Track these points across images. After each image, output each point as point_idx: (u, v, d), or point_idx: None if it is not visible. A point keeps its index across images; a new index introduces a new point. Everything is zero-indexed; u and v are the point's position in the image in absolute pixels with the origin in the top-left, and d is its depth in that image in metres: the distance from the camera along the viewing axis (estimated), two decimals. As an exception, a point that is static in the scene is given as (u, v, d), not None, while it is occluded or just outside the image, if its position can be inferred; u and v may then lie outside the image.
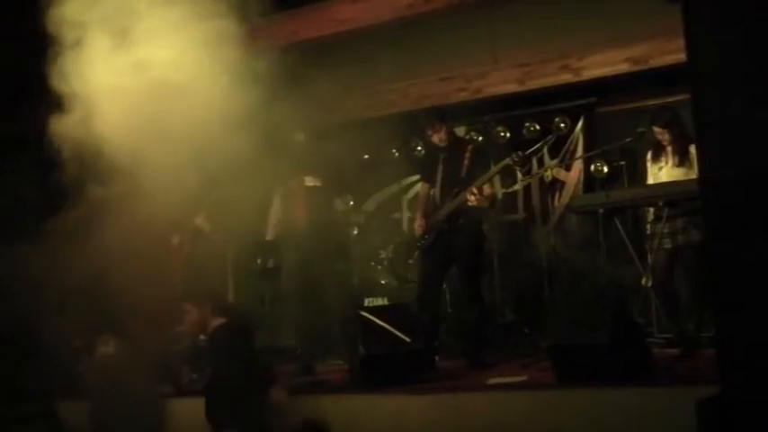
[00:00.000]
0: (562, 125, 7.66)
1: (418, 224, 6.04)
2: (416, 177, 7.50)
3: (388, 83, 7.75)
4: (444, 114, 6.08)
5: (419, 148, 8.18)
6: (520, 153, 5.70)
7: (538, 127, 7.74)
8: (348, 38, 7.13)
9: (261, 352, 5.80)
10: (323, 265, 5.78)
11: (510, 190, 7.89)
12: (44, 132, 4.69)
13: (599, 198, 5.96)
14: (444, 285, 6.58)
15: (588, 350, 4.51)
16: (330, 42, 7.08)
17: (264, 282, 7.48)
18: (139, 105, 4.60)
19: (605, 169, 7.35)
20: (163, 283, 5.17)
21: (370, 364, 5.22)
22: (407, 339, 5.33)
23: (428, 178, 6.15)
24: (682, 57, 3.57)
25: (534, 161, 7.78)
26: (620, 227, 6.33)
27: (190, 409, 5.33)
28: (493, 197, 6.04)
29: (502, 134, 7.89)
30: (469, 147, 6.05)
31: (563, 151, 7.69)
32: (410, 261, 6.94)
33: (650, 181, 5.78)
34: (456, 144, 6.13)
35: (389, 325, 5.36)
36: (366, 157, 8.40)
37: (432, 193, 6.08)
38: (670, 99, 6.48)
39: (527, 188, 7.93)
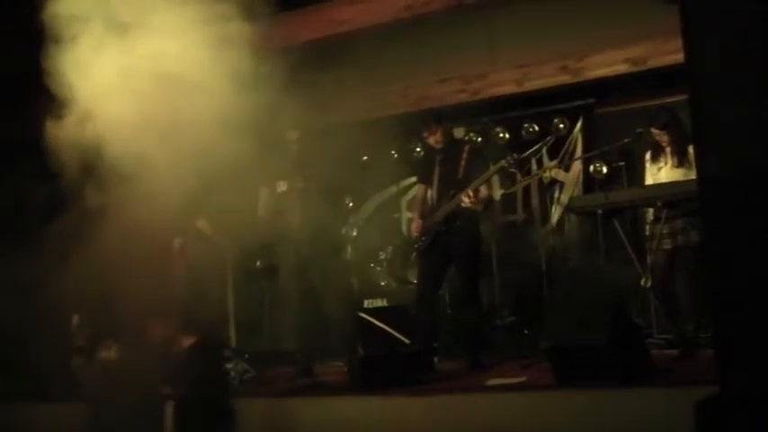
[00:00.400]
0: (561, 126, 7.65)
1: (415, 226, 6.05)
2: (415, 179, 7.49)
3: (386, 84, 7.74)
4: (440, 116, 6.10)
5: (418, 149, 8.18)
6: (515, 155, 5.71)
7: (537, 128, 7.74)
8: (347, 39, 7.13)
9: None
10: (321, 266, 5.77)
11: (509, 191, 7.89)
12: (45, 134, 4.69)
13: (598, 199, 5.97)
14: (443, 287, 6.58)
15: (587, 351, 4.51)
16: (329, 44, 7.08)
17: (264, 283, 7.48)
18: (140, 107, 4.60)
19: (604, 170, 7.34)
20: (164, 286, 5.16)
21: (370, 365, 5.22)
22: (406, 341, 5.33)
23: (425, 179, 6.15)
24: (680, 57, 3.56)
25: (533, 162, 7.78)
26: (619, 228, 6.32)
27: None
28: (488, 199, 6.05)
29: (501, 135, 7.88)
30: (466, 148, 6.06)
31: (562, 152, 7.69)
32: (409, 262, 6.95)
33: (649, 182, 5.78)
34: (453, 145, 6.13)
35: (388, 326, 5.37)
36: (365, 158, 8.40)
37: (429, 194, 6.09)
38: (669, 99, 6.47)
39: (526, 189, 7.93)
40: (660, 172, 5.67)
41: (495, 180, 7.63)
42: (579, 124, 7.64)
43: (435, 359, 5.86)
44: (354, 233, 7.94)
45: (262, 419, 5.25)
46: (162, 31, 4.59)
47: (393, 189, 8.58)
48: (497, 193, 7.84)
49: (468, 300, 5.85)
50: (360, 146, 7.50)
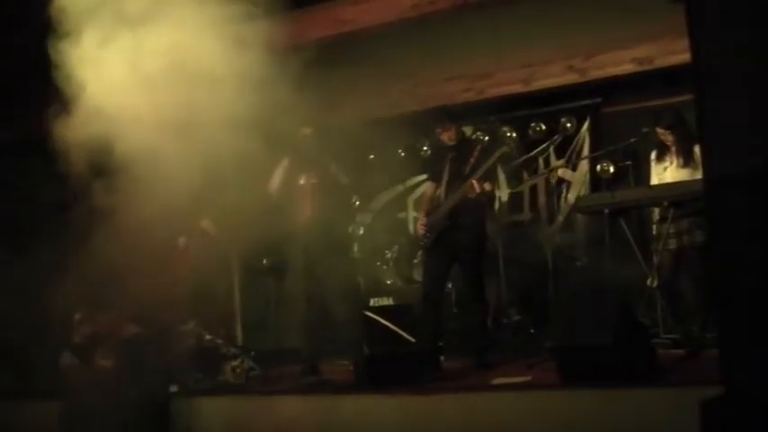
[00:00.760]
0: (568, 125, 7.65)
1: (420, 223, 6.05)
2: (422, 177, 7.49)
3: (393, 83, 7.74)
4: (454, 113, 6.09)
5: (425, 148, 8.18)
6: (515, 137, 5.66)
7: (544, 127, 7.74)
8: (354, 38, 7.13)
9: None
10: (329, 264, 5.77)
11: (516, 190, 7.90)
12: (54, 134, 4.71)
13: (605, 198, 5.96)
14: (449, 286, 6.58)
15: (593, 350, 4.51)
16: (336, 43, 7.08)
17: (270, 281, 7.50)
18: (151, 105, 4.62)
19: (611, 169, 7.33)
20: (168, 285, 5.19)
21: (375, 364, 5.23)
22: (412, 339, 5.34)
23: (435, 177, 6.14)
24: (687, 57, 3.56)
25: (540, 161, 7.78)
26: (625, 227, 6.32)
27: (196, 410, 5.37)
28: (491, 194, 6.04)
29: (508, 134, 7.87)
30: (478, 147, 6.05)
31: (569, 151, 7.68)
32: (415, 261, 6.96)
33: (654, 181, 5.77)
34: (464, 143, 6.13)
35: (394, 325, 5.38)
36: (372, 156, 8.40)
37: (438, 192, 6.08)
38: (676, 99, 6.47)
39: (533, 188, 7.92)
40: (665, 172, 5.67)
41: (503, 180, 7.65)
42: (586, 123, 7.63)
43: (441, 358, 5.86)
44: (361, 231, 7.94)
45: (267, 417, 5.27)
46: (174, 27, 4.61)
47: (400, 188, 8.58)
48: (505, 193, 7.84)
49: (474, 298, 5.85)
50: (366, 144, 7.51)
